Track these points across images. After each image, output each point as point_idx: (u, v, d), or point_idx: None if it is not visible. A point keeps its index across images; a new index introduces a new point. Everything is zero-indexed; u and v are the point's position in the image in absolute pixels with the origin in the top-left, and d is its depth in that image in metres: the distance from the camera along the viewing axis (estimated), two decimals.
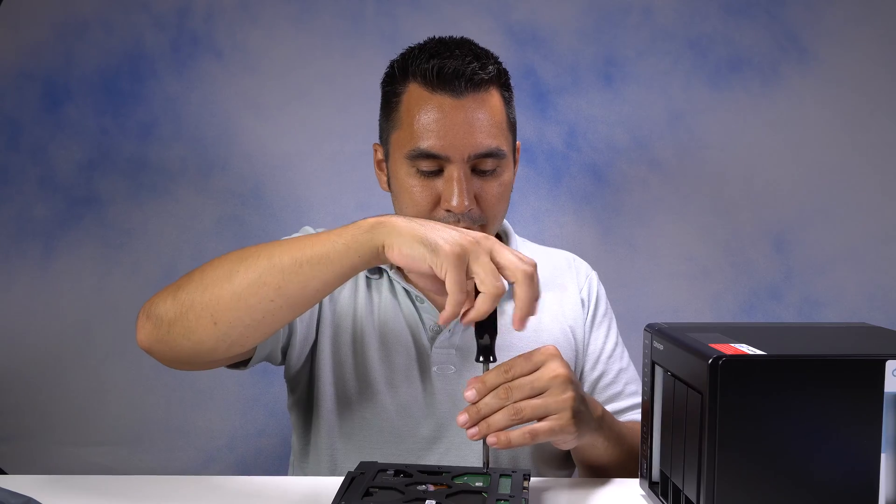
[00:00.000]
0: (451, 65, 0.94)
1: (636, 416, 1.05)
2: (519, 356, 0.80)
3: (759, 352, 0.65)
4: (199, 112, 1.55)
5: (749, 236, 1.55)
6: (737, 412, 0.64)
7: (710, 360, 0.64)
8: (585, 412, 0.82)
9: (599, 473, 0.92)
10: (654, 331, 0.78)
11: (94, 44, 1.55)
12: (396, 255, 0.74)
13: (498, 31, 1.54)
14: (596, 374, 1.07)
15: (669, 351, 0.73)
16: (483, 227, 0.98)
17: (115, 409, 1.56)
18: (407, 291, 1.02)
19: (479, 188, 0.96)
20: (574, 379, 0.81)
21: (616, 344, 1.11)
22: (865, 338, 0.76)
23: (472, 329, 0.94)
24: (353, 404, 1.00)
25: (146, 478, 0.87)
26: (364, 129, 1.55)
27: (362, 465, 0.79)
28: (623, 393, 1.07)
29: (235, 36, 1.55)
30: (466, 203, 0.94)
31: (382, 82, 1.03)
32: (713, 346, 0.67)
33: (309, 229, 1.07)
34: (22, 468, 1.52)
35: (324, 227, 1.09)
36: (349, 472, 0.76)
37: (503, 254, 0.75)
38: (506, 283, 0.75)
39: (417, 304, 1.02)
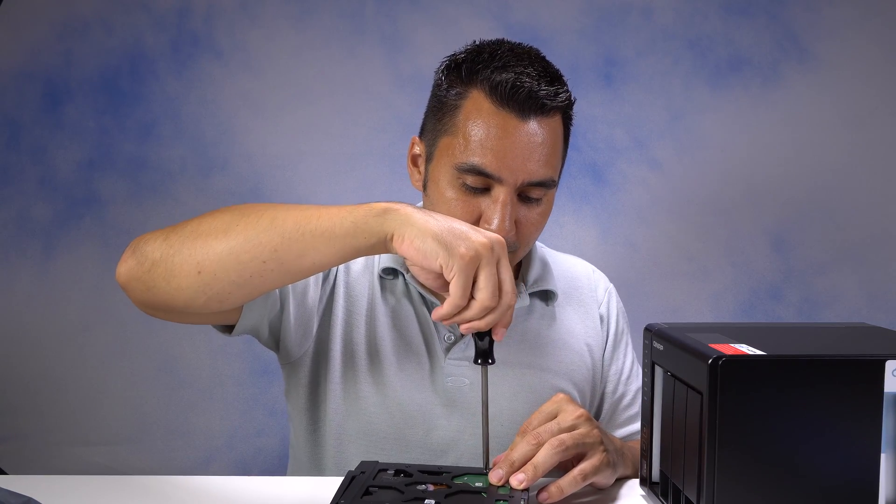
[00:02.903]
0: (525, 84, 0.88)
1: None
2: (532, 415, 0.81)
3: (759, 352, 0.65)
4: (199, 112, 1.55)
5: (749, 236, 1.55)
6: (737, 412, 0.64)
7: (710, 360, 0.64)
8: (612, 446, 0.82)
9: None
10: (654, 331, 0.78)
11: (94, 44, 1.55)
12: (407, 246, 0.73)
13: (498, 31, 1.54)
14: (617, 395, 1.06)
15: (669, 351, 0.73)
16: (514, 252, 0.94)
17: (115, 409, 1.56)
18: (423, 297, 0.99)
19: (521, 214, 0.93)
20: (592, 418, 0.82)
21: (633, 362, 1.09)
22: (865, 338, 0.76)
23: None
24: (362, 406, 0.96)
25: (146, 478, 0.87)
26: (364, 129, 1.55)
27: (363, 464, 0.79)
28: (639, 414, 1.06)
29: (235, 36, 1.55)
30: (508, 229, 0.90)
31: (439, 76, 0.96)
32: (713, 346, 0.67)
33: None
34: (22, 468, 1.52)
35: None
36: (349, 472, 0.76)
37: (505, 271, 0.74)
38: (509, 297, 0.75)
39: (433, 308, 0.98)
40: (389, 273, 1.01)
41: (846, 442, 0.64)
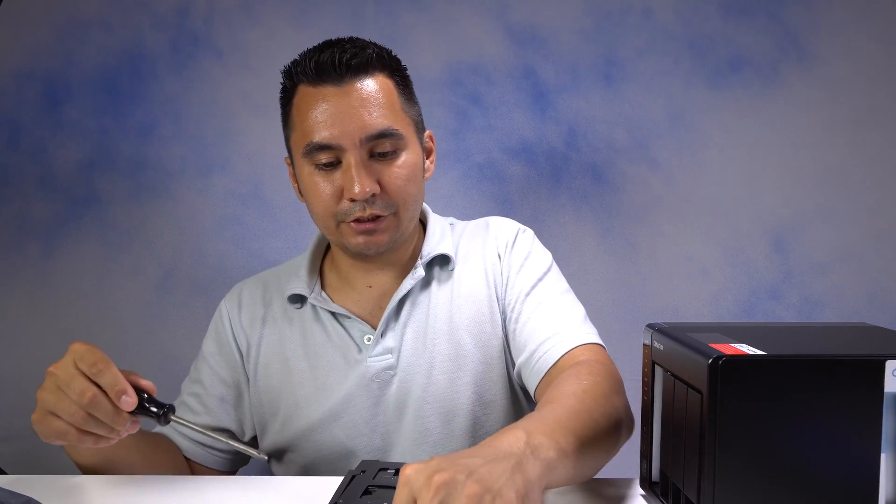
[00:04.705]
0: (328, 55, 0.94)
1: (561, 345, 0.93)
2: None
3: (759, 352, 0.65)
4: (199, 112, 1.55)
5: (749, 236, 1.55)
6: (737, 412, 0.63)
7: (710, 360, 0.64)
8: (500, 479, 0.59)
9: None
10: (655, 331, 0.78)
11: (94, 44, 1.55)
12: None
13: (498, 31, 1.54)
14: (513, 320, 1.00)
15: (669, 351, 0.73)
16: (395, 214, 0.97)
17: None
18: (332, 314, 1.03)
19: (381, 172, 0.95)
20: (455, 465, 0.59)
21: (538, 280, 1.01)
22: (865, 338, 0.76)
23: (402, 327, 0.99)
24: (306, 445, 1.01)
25: (146, 478, 0.87)
26: None
27: (363, 463, 0.79)
28: (539, 329, 0.96)
29: (235, 36, 1.55)
30: (368, 189, 0.92)
31: (279, 97, 1.02)
32: (713, 346, 0.67)
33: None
34: (22, 468, 1.52)
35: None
36: (350, 471, 0.76)
37: None
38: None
39: (343, 321, 1.02)
40: (296, 301, 1.05)
41: (846, 442, 0.64)
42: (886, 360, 0.64)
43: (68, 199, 1.56)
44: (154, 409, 0.81)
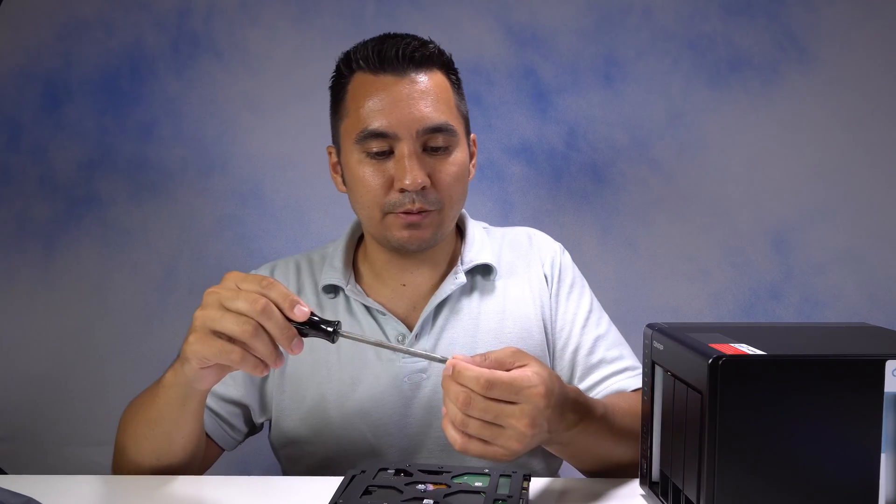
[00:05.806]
0: (391, 45, 0.94)
1: (624, 382, 1.01)
2: (503, 380, 0.72)
3: (759, 352, 0.65)
4: (199, 112, 1.55)
5: (749, 236, 1.55)
6: (737, 412, 0.64)
7: (710, 360, 0.64)
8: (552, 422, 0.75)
9: (607, 470, 0.90)
10: (655, 331, 0.78)
11: (94, 44, 1.55)
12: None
13: (498, 31, 1.54)
14: (571, 348, 1.03)
15: (669, 351, 0.73)
16: (440, 211, 0.96)
17: (115, 409, 1.54)
18: (367, 308, 1.01)
19: (433, 167, 0.95)
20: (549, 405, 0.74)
21: (590, 311, 1.06)
22: (865, 338, 0.76)
23: (439, 331, 0.97)
24: (329, 438, 0.99)
25: (146, 478, 0.87)
26: None
27: (364, 463, 0.79)
28: (603, 361, 1.02)
29: (235, 36, 1.55)
30: (420, 181, 0.92)
31: (330, 83, 1.02)
32: (713, 346, 0.67)
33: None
34: (22, 468, 1.52)
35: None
36: (349, 471, 0.76)
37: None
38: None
39: (378, 317, 1.01)
40: (330, 291, 1.03)
41: (846, 442, 0.64)
42: (886, 360, 0.64)
43: (68, 199, 1.56)
44: (324, 326, 0.75)
